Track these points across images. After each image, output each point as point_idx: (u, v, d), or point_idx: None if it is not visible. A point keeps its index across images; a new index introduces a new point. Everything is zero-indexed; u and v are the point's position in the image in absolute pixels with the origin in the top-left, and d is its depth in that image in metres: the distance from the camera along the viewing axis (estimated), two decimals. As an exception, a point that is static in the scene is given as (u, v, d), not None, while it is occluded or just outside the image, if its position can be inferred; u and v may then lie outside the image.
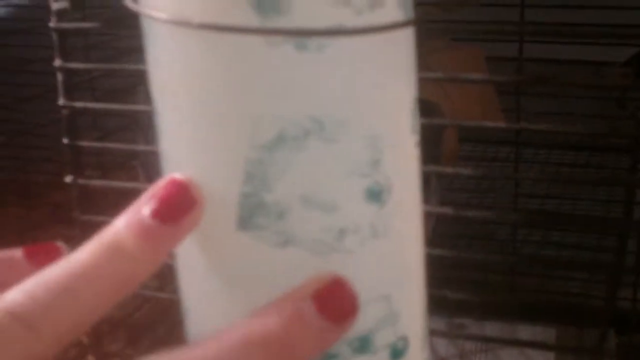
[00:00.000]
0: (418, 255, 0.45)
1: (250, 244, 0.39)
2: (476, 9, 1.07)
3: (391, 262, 0.42)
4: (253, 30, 0.36)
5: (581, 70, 1.24)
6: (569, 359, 1.06)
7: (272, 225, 0.39)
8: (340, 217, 0.39)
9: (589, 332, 1.18)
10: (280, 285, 0.39)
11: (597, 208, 1.22)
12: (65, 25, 0.58)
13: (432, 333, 1.10)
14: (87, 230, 0.67)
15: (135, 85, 0.44)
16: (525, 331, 1.11)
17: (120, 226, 0.38)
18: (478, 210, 0.56)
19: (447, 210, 0.57)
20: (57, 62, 0.60)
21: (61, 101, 0.61)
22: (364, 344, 0.41)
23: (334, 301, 0.38)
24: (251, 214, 0.38)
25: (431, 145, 0.80)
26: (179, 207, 0.38)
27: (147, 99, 0.42)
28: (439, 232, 0.91)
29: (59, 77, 0.60)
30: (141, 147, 0.65)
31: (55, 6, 0.57)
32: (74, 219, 0.64)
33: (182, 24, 0.37)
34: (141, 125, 0.64)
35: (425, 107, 0.81)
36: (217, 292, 0.41)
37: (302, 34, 0.36)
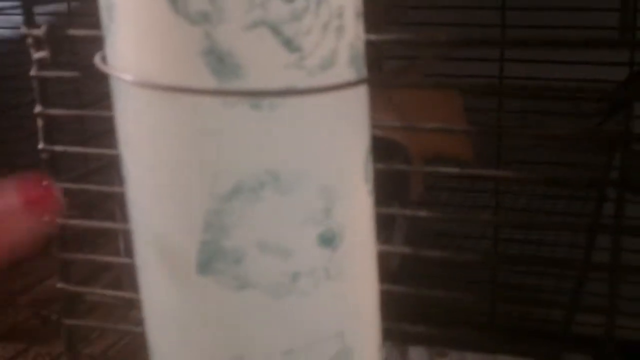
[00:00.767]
0: (371, 293, 0.48)
1: (210, 287, 0.42)
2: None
3: (344, 301, 0.45)
4: (211, 92, 0.39)
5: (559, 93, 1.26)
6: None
7: (230, 269, 0.42)
8: (295, 261, 0.42)
9: (568, 357, 1.20)
10: (238, 326, 0.42)
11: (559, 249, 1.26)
12: (45, 73, 0.62)
13: (413, 362, 1.12)
14: (66, 266, 0.70)
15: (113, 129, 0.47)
16: (504, 361, 1.13)
17: None
18: (438, 250, 0.59)
19: (408, 250, 0.60)
20: (38, 109, 0.63)
21: (41, 145, 0.64)
22: (318, 379, 0.44)
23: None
24: (210, 259, 0.41)
25: (397, 186, 0.84)
26: None
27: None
28: (409, 268, 0.94)
29: (39, 122, 0.63)
30: (117, 189, 0.67)
31: (36, 55, 0.60)
32: (53, 257, 0.67)
33: (146, 85, 0.40)
34: (117, 167, 0.67)
35: (391, 148, 0.85)
36: (179, 332, 0.44)
37: (256, 94, 0.39)
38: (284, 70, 0.40)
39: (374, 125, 0.49)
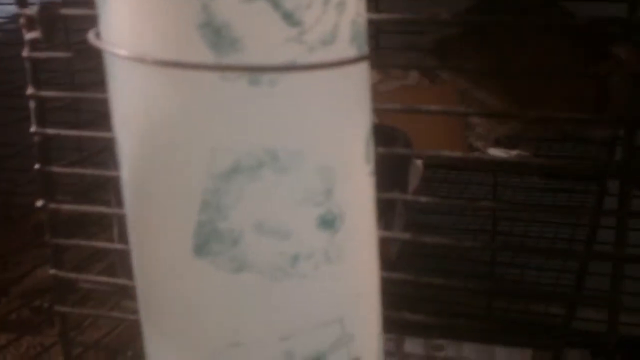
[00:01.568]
0: (372, 279, 0.46)
1: (206, 269, 0.41)
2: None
3: (344, 286, 0.44)
4: (208, 67, 0.38)
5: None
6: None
7: (227, 251, 0.40)
8: (294, 243, 0.41)
9: (567, 352, 1.20)
10: (235, 310, 0.41)
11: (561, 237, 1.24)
12: (37, 54, 0.60)
13: (410, 355, 1.11)
14: (59, 252, 0.68)
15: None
16: (502, 352, 1.12)
17: None
18: (436, 235, 0.58)
19: (408, 235, 0.59)
20: (30, 90, 0.62)
21: (33, 128, 0.62)
22: (318, 366, 0.43)
23: None
24: (207, 240, 0.40)
25: (398, 172, 0.82)
26: None
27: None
28: (409, 255, 0.93)
29: (32, 104, 0.62)
30: (113, 173, 0.66)
31: (27, 36, 0.59)
32: (46, 242, 0.66)
33: (141, 60, 0.38)
34: (112, 153, 0.66)
35: (392, 134, 0.84)
36: (175, 318, 0.43)
37: (255, 70, 0.38)
38: (283, 45, 0.38)
39: (375, 109, 0.48)
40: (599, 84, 1.05)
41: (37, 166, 0.64)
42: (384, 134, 0.72)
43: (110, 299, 0.88)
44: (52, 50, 0.61)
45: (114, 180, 0.49)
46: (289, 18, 0.38)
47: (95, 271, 0.99)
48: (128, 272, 0.46)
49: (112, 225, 0.78)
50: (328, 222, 0.42)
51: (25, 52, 0.61)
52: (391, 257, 0.82)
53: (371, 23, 0.45)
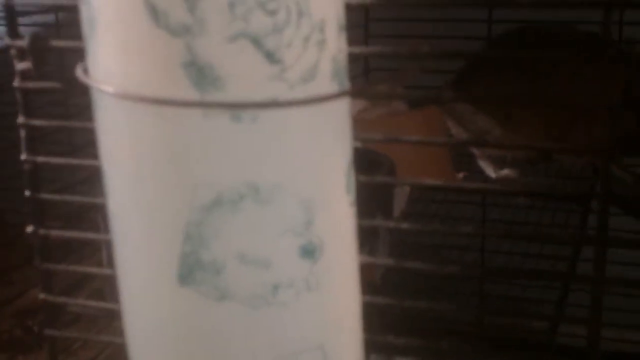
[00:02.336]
0: (352, 306, 0.48)
1: (190, 298, 0.42)
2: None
3: (325, 313, 0.45)
4: (191, 104, 0.39)
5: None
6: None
7: (210, 280, 0.42)
8: (275, 273, 0.42)
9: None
10: (218, 337, 0.42)
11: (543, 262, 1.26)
12: (28, 84, 0.62)
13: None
14: (49, 277, 0.69)
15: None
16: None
17: None
18: (423, 254, 0.59)
19: (391, 261, 0.60)
20: (21, 119, 0.63)
21: (24, 156, 0.64)
22: (298, 392, 0.44)
23: None
24: (190, 270, 0.41)
25: (382, 197, 0.84)
26: None
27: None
28: (392, 281, 0.94)
29: (22, 133, 0.63)
30: (101, 200, 0.67)
31: (19, 67, 0.60)
32: (36, 267, 0.67)
33: (127, 97, 0.40)
34: (101, 179, 0.67)
35: (377, 160, 0.85)
36: (160, 344, 0.44)
37: (237, 106, 0.40)
38: (265, 83, 0.40)
39: (358, 138, 0.49)
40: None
41: (27, 193, 0.65)
42: (368, 159, 0.74)
43: (100, 322, 0.89)
44: (43, 80, 0.62)
45: (102, 207, 0.50)
46: (271, 57, 0.40)
47: (85, 293, 1.00)
48: (117, 296, 0.48)
49: (102, 249, 0.80)
50: (308, 252, 0.43)
51: (16, 82, 0.62)
52: (376, 282, 0.83)
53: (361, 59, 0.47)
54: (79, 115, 0.92)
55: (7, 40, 0.61)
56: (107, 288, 0.83)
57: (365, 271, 0.50)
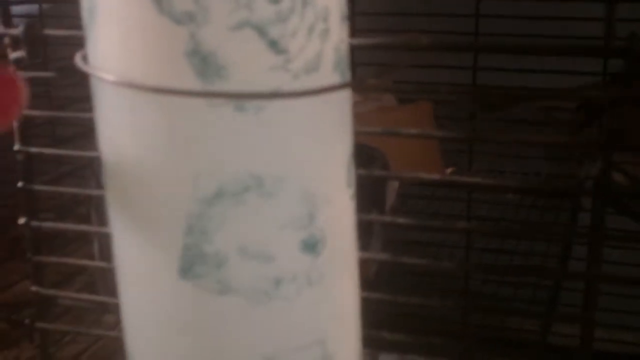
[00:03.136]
0: (352, 300, 0.47)
1: (191, 291, 0.41)
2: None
3: (326, 308, 0.44)
4: (195, 93, 0.38)
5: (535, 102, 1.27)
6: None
7: (211, 274, 0.41)
8: (277, 266, 0.42)
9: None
10: (218, 331, 0.42)
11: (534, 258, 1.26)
12: (22, 74, 0.61)
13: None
14: (40, 270, 0.69)
15: (92, 130, 0.46)
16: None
17: None
18: (413, 251, 0.58)
19: (385, 256, 0.60)
20: (14, 109, 0.62)
21: (17, 146, 0.63)
22: (299, 387, 0.44)
23: None
24: (192, 263, 0.41)
25: (375, 192, 0.83)
26: None
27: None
28: (387, 274, 0.94)
29: (15, 124, 0.62)
30: (94, 192, 0.67)
31: (12, 56, 0.60)
32: (27, 259, 0.66)
33: (129, 86, 0.39)
34: (94, 170, 0.66)
35: (371, 154, 0.85)
36: (159, 337, 0.43)
37: (240, 96, 0.39)
38: (269, 73, 0.39)
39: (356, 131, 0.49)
40: None
41: (20, 184, 0.64)
42: (362, 154, 0.73)
43: (91, 315, 0.88)
44: (35, 69, 0.61)
45: (95, 197, 0.49)
46: (275, 46, 0.39)
47: (76, 286, 0.99)
48: (108, 288, 0.47)
49: (93, 242, 0.79)
50: (310, 246, 0.43)
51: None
52: (370, 277, 0.83)
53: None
54: (63, 108, 0.92)
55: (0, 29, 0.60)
56: (99, 281, 0.82)
57: (361, 267, 0.50)
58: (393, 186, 1.08)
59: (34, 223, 0.65)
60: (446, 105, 1.19)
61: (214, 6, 0.38)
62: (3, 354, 1.07)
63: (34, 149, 0.63)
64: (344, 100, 0.44)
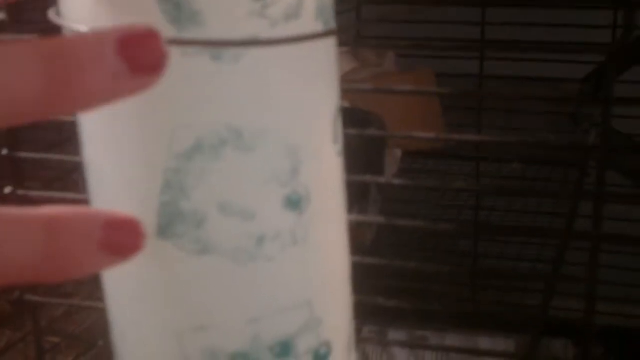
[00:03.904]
0: (341, 262, 0.45)
1: (170, 251, 0.40)
2: (438, 26, 1.08)
3: (312, 268, 0.43)
4: (168, 41, 0.37)
5: (539, 87, 1.26)
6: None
7: (190, 233, 0.39)
8: (259, 224, 0.40)
9: (549, 342, 1.20)
10: (200, 292, 0.40)
11: (541, 219, 1.24)
12: (4, 36, 0.59)
13: (393, 344, 1.11)
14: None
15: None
16: (485, 342, 1.12)
17: None
18: (411, 219, 0.57)
19: (382, 219, 0.58)
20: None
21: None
22: (285, 349, 0.42)
23: (138, 50, 0.32)
24: (170, 222, 0.39)
25: (372, 157, 0.81)
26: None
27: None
28: (385, 243, 0.92)
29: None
30: (82, 159, 0.65)
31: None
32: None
33: (98, 34, 0.37)
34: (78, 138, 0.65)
35: (366, 119, 0.83)
36: (139, 302, 0.42)
37: (217, 44, 0.37)
38: (246, 19, 0.37)
39: (345, 89, 0.47)
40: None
41: (4, 152, 0.63)
42: (357, 118, 0.72)
43: (84, 288, 0.87)
44: (18, 32, 0.59)
45: (82, 167, 0.48)
46: None
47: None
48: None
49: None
50: (294, 203, 0.41)
51: (-10, 35, 0.60)
52: (366, 243, 0.81)
53: None
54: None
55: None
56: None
57: (356, 232, 0.48)
58: (395, 156, 1.06)
59: (21, 192, 0.64)
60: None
61: (187, -51, 0.36)
62: (7, 336, 1.06)
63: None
64: (328, 50, 0.42)
